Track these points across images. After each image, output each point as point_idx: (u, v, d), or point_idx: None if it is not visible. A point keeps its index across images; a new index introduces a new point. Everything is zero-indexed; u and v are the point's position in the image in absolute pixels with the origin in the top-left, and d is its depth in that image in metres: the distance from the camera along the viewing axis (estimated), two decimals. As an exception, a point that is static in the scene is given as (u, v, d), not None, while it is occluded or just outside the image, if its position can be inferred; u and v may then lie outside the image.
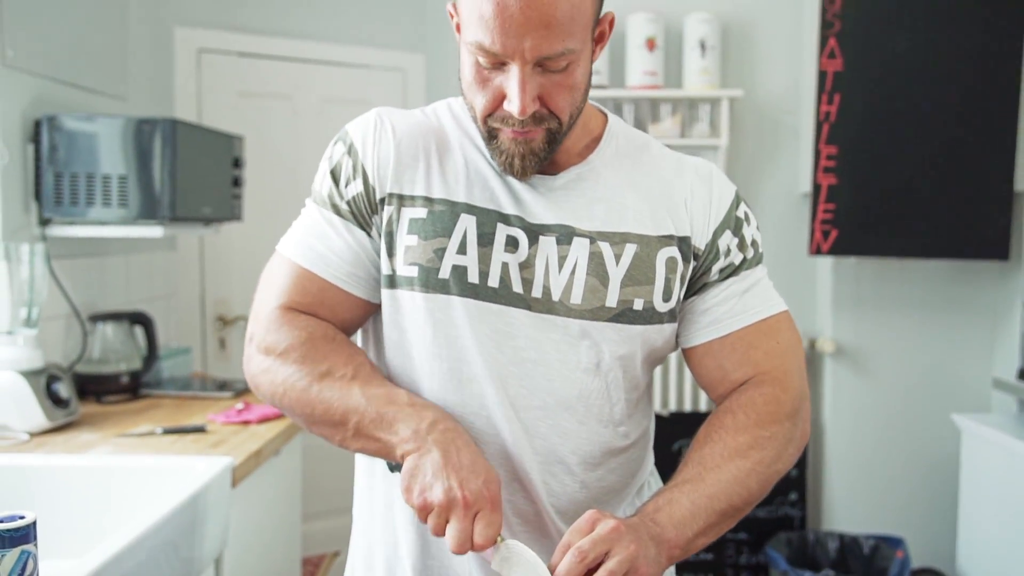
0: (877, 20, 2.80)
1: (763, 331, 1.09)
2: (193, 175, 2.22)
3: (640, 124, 2.99)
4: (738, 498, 1.01)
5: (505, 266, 1.02)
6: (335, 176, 1.08)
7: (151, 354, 2.39)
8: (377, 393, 0.99)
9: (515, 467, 1.04)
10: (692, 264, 1.08)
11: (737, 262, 1.09)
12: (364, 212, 1.07)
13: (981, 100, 2.78)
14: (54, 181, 2.12)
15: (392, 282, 1.05)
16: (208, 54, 3.01)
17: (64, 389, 1.97)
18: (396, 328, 1.06)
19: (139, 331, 2.39)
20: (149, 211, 2.13)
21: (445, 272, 1.02)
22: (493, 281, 1.02)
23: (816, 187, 2.84)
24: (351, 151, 1.07)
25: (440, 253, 1.02)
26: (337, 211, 1.07)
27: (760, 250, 1.13)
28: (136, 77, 2.67)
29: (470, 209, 1.04)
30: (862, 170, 2.82)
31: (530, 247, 1.03)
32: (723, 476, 1.00)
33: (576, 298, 1.03)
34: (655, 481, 1.20)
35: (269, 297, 1.09)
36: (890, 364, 3.04)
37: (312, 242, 1.07)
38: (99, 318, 2.30)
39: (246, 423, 2.02)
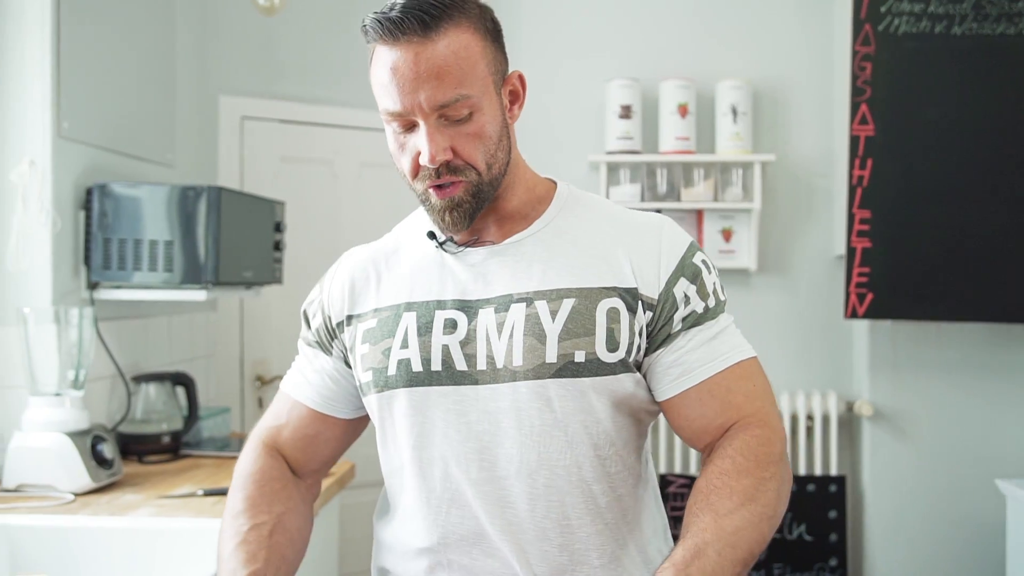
0: (907, 87, 2.83)
1: (739, 375, 1.10)
2: (236, 240, 2.28)
3: (673, 188, 3.03)
4: (756, 545, 1.01)
5: (446, 348, 1.09)
6: (306, 316, 1.24)
7: (192, 414, 2.43)
8: (235, 560, 1.06)
9: (494, 539, 1.08)
10: (648, 315, 1.09)
11: (700, 310, 1.10)
12: (325, 340, 1.21)
13: (1014, 165, 2.79)
14: (103, 246, 2.19)
15: (361, 391, 1.16)
16: (251, 121, 3.11)
17: (108, 450, 2.01)
18: (376, 428, 1.17)
19: (180, 391, 2.43)
20: (193, 275, 2.19)
21: (392, 369, 1.10)
22: (436, 365, 1.09)
23: (851, 251, 2.84)
24: (321, 289, 1.23)
25: (387, 352, 1.11)
26: (307, 342, 1.24)
27: (723, 297, 1.14)
28: (182, 144, 2.76)
29: (410, 306, 1.12)
30: (896, 234, 2.82)
31: (469, 323, 1.09)
32: (738, 523, 1.00)
33: (517, 360, 1.06)
34: (666, 547, 1.20)
35: (259, 423, 1.27)
36: (930, 428, 3.00)
37: (294, 373, 1.26)
38: (142, 379, 2.35)
39: (284, 485, 2.04)
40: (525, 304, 1.07)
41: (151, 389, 2.34)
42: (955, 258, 2.81)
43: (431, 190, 1.07)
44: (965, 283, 2.81)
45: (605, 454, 1.10)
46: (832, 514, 2.99)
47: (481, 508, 1.07)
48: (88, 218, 2.20)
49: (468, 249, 1.13)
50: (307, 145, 3.22)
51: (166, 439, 2.31)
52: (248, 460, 1.20)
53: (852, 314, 2.85)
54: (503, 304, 1.08)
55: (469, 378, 1.08)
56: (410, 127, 1.05)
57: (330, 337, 1.20)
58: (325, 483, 2.07)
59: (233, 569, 1.04)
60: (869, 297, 2.83)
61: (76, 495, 1.89)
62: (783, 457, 1.09)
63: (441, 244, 1.14)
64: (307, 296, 1.27)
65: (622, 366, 1.08)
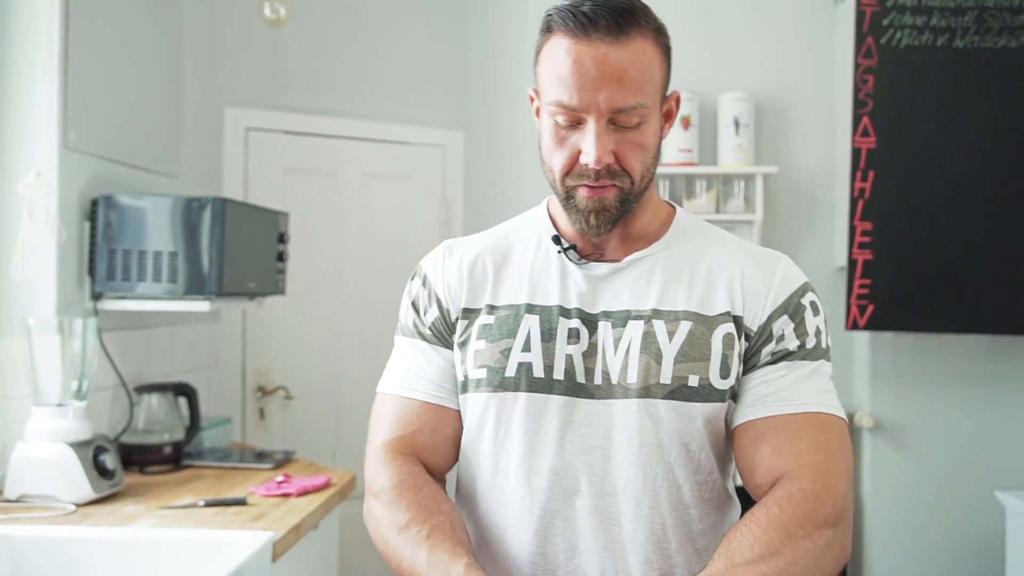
0: (909, 99, 2.84)
1: (811, 423, 1.05)
2: (239, 251, 2.30)
3: (675, 200, 3.04)
4: None
5: (569, 358, 1.08)
6: (416, 307, 1.19)
7: (194, 425, 2.43)
8: (439, 560, 0.99)
9: (594, 555, 1.06)
10: (745, 344, 1.08)
11: (792, 347, 1.08)
12: (444, 333, 1.16)
13: (1015, 177, 2.79)
14: (107, 257, 2.20)
15: (464, 386, 1.13)
16: (255, 132, 3.13)
17: (110, 460, 2.02)
18: (470, 430, 1.13)
19: (182, 401, 2.44)
20: (196, 286, 2.20)
21: (512, 370, 1.08)
22: (558, 374, 1.07)
23: (852, 262, 2.85)
24: (425, 282, 1.19)
25: (506, 353, 1.09)
26: (423, 337, 1.18)
27: (825, 345, 1.10)
28: (187, 155, 2.78)
29: (531, 309, 1.11)
30: (898, 246, 2.83)
31: (590, 336, 1.08)
32: (751, 575, 0.95)
33: (632, 377, 1.06)
34: None
35: (373, 436, 1.17)
36: (930, 439, 2.99)
37: (403, 372, 1.18)
38: (144, 389, 2.36)
39: (286, 496, 2.05)
40: (643, 322, 1.07)
41: (153, 399, 2.35)
42: (957, 270, 2.81)
43: (582, 188, 1.06)
44: (966, 295, 2.81)
45: (704, 479, 1.09)
46: (834, 526, 2.98)
47: (586, 522, 1.06)
48: (93, 229, 2.22)
49: (591, 263, 1.13)
50: (311, 156, 3.24)
51: (168, 449, 2.32)
52: (390, 471, 1.10)
53: (853, 326, 2.85)
54: (621, 320, 1.08)
55: (586, 391, 1.07)
56: (576, 123, 1.04)
57: (449, 331, 1.16)
58: (325, 494, 2.09)
59: (445, 571, 0.97)
60: (870, 309, 2.83)
61: (78, 505, 1.90)
62: (833, 522, 1.00)
63: (565, 250, 1.13)
64: (406, 288, 1.22)
65: (730, 393, 1.08)
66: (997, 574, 2.83)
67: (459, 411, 1.15)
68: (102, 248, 2.21)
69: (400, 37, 3.38)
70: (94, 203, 2.22)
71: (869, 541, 3.03)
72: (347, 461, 3.15)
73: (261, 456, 2.44)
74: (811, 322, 1.09)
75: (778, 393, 1.06)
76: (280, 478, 2.14)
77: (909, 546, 3.00)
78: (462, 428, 1.16)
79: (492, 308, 1.13)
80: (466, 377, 1.13)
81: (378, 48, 3.35)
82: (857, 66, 2.86)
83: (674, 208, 1.20)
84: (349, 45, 3.31)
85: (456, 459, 1.18)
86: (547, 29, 1.06)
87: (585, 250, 1.14)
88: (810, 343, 1.09)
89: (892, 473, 3.01)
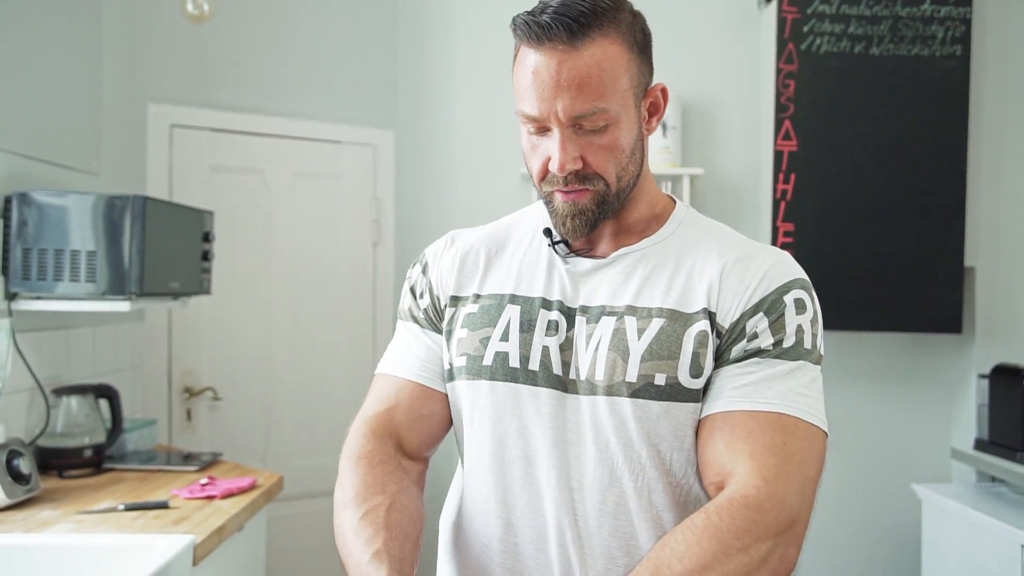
0: (829, 105, 2.92)
1: (772, 424, 1.00)
2: (162, 250, 2.25)
3: (604, 200, 3.08)
4: None
5: (546, 349, 1.08)
6: (413, 292, 1.22)
7: (115, 427, 2.38)
8: (358, 546, 1.00)
9: (559, 550, 1.06)
10: (717, 341, 1.05)
11: (764, 345, 1.03)
12: (435, 319, 1.19)
13: (930, 181, 2.90)
14: (22, 256, 2.14)
15: (450, 375, 1.15)
16: (180, 129, 3.07)
17: (25, 465, 1.96)
18: (455, 417, 1.15)
19: (104, 404, 2.39)
20: (117, 286, 2.15)
21: (488, 359, 1.09)
22: (533, 364, 1.08)
23: (775, 262, 2.92)
24: (425, 270, 1.21)
25: (485, 342, 1.10)
26: (416, 320, 1.21)
27: (809, 345, 1.05)
28: (109, 153, 2.71)
29: (514, 299, 1.12)
30: (818, 247, 2.91)
31: (568, 330, 1.08)
32: None
33: (599, 374, 1.05)
34: None
35: (359, 414, 1.18)
36: (850, 435, 3.08)
37: (395, 352, 1.21)
38: (63, 391, 2.30)
39: (210, 498, 2.01)
40: (615, 318, 1.06)
41: (72, 402, 2.29)
42: (874, 270, 2.90)
43: (557, 193, 1.07)
44: (884, 294, 2.90)
45: (677, 483, 1.06)
46: (758, 520, 3.05)
47: (553, 515, 1.06)
48: (7, 227, 2.15)
49: (578, 258, 1.13)
50: (239, 154, 3.19)
51: (88, 453, 2.27)
52: (354, 445, 1.12)
53: (777, 324, 2.93)
54: (595, 315, 1.08)
55: (561, 383, 1.07)
56: (544, 131, 1.05)
57: (439, 317, 1.18)
58: (250, 496, 2.06)
59: (356, 561, 0.98)
60: (792, 308, 2.91)
61: (-10, 511, 1.84)
62: (776, 534, 0.94)
63: (554, 244, 1.14)
64: (407, 274, 1.25)
65: (704, 393, 1.05)
66: (913, 563, 2.94)
67: (444, 394, 1.17)
68: (16, 247, 2.14)
69: (329, 34, 3.35)
70: (8, 200, 2.15)
71: (792, 534, 3.10)
72: (277, 463, 3.11)
73: (187, 458, 2.39)
74: (792, 320, 1.04)
75: (742, 388, 1.02)
76: (204, 480, 2.11)
77: (829, 537, 3.08)
78: (446, 411, 1.17)
79: (478, 297, 1.14)
80: (451, 365, 1.14)
81: (307, 45, 3.32)
82: (779, 71, 2.94)
83: (674, 202, 1.18)
84: (277, 41, 3.27)
85: (436, 441, 1.19)
86: (515, 36, 1.06)
87: (577, 245, 1.14)
88: (788, 342, 1.03)
89: (814, 467, 3.09)
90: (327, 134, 3.33)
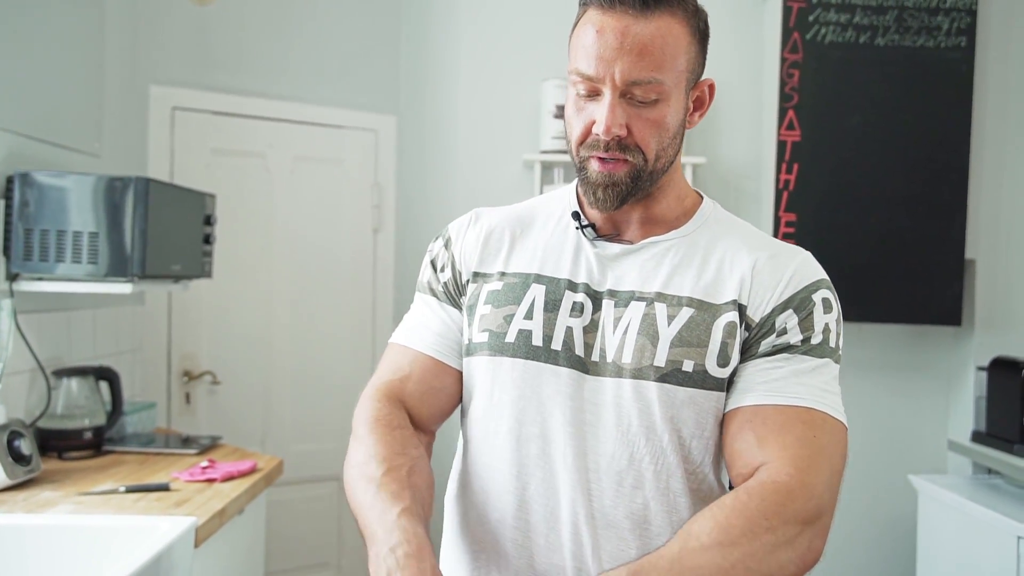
0: (833, 95, 2.92)
1: (802, 418, 1.02)
2: (164, 233, 2.25)
3: (606, 188, 3.07)
4: None
5: (569, 330, 1.08)
6: (434, 265, 1.22)
7: (115, 409, 2.38)
8: (382, 500, 1.01)
9: (574, 525, 1.06)
10: (746, 334, 1.07)
11: (794, 341, 1.05)
12: (454, 293, 1.19)
13: (933, 173, 2.90)
14: (24, 236, 2.13)
15: (469, 350, 1.15)
16: (182, 112, 3.06)
17: (26, 446, 1.96)
18: (469, 393, 1.15)
19: (104, 386, 2.39)
20: (119, 268, 2.15)
21: (511, 336, 1.10)
22: (556, 344, 1.08)
23: (776, 252, 2.92)
24: (448, 244, 1.21)
25: (509, 319, 1.11)
26: (434, 294, 1.21)
27: (833, 344, 1.07)
28: (110, 134, 2.70)
29: (540, 279, 1.12)
30: (820, 237, 2.91)
31: (593, 312, 1.09)
32: (702, 562, 0.92)
33: (626, 357, 1.06)
34: None
35: (371, 381, 1.19)
36: (849, 425, 3.09)
37: (410, 323, 1.22)
38: (64, 373, 2.30)
39: (211, 481, 2.02)
40: (645, 304, 1.07)
41: (73, 383, 2.29)
42: (875, 261, 2.91)
43: (593, 160, 1.06)
44: (885, 285, 2.91)
45: (694, 469, 1.08)
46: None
47: (567, 494, 1.06)
48: (8, 208, 2.14)
49: (606, 243, 1.13)
50: (240, 138, 3.18)
51: (88, 435, 2.27)
52: (370, 408, 1.13)
53: (777, 314, 2.93)
54: (624, 300, 1.09)
55: (583, 364, 1.08)
56: (594, 94, 1.04)
57: (459, 292, 1.18)
58: (251, 479, 2.06)
59: (381, 512, 0.98)
60: (793, 298, 2.91)
61: (-9, 492, 1.84)
62: (804, 521, 0.96)
63: (582, 228, 1.14)
64: (428, 247, 1.25)
65: (728, 385, 1.07)
66: (909, 554, 2.95)
67: (456, 369, 1.17)
68: (18, 227, 2.14)
69: (333, 18, 3.34)
70: (9, 180, 2.15)
71: (789, 523, 3.12)
72: (276, 447, 3.12)
73: (187, 442, 2.40)
74: (819, 318, 1.06)
75: (772, 383, 1.04)
76: (205, 463, 2.11)
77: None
78: (456, 387, 1.18)
79: (503, 275, 1.14)
80: (470, 340, 1.14)
81: (310, 29, 3.30)
82: (783, 60, 2.93)
83: (702, 198, 1.19)
84: (280, 25, 3.25)
85: (444, 415, 1.20)
86: (582, 3, 1.06)
87: (604, 230, 1.14)
88: (815, 339, 1.06)
89: (811, 457, 3.10)
90: (329, 118, 3.32)
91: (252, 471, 2.12)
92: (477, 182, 3.17)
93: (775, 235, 2.92)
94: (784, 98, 2.93)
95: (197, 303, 3.05)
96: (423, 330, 1.19)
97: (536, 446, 1.08)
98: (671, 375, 1.04)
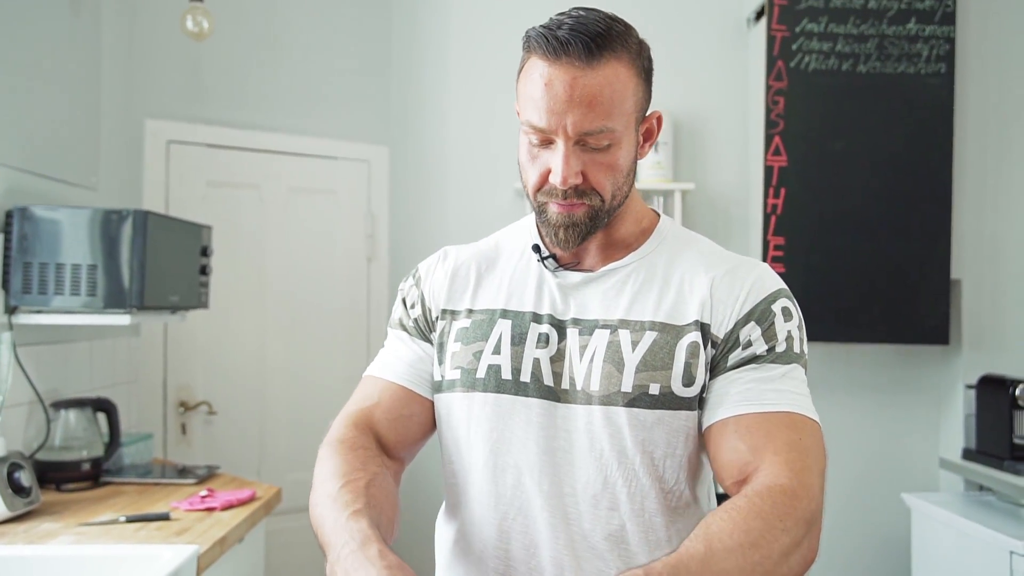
0: (818, 121, 2.98)
1: (785, 423, 1.05)
2: (161, 264, 2.27)
3: (597, 214, 3.12)
4: None
5: (536, 361, 1.11)
6: (404, 303, 1.26)
7: (113, 441, 2.39)
8: (337, 510, 1.01)
9: (554, 552, 1.09)
10: (712, 352, 1.09)
11: (760, 351, 1.09)
12: (424, 329, 1.22)
13: (917, 195, 2.95)
14: (23, 270, 2.15)
15: (440, 387, 1.18)
16: (177, 145, 3.09)
17: (26, 477, 1.97)
18: (446, 428, 1.18)
19: (101, 417, 2.39)
20: (117, 300, 2.17)
21: (481, 372, 1.13)
22: (525, 376, 1.11)
23: (765, 275, 2.96)
24: (417, 282, 1.25)
25: (478, 355, 1.14)
26: (405, 329, 1.24)
27: (798, 350, 1.11)
28: (107, 168, 2.73)
29: (505, 314, 1.15)
30: (808, 260, 2.95)
31: (559, 342, 1.12)
32: (729, 566, 0.91)
33: (594, 384, 1.09)
34: None
35: (342, 410, 1.21)
36: (840, 445, 3.12)
37: (383, 357, 1.25)
38: (62, 404, 2.31)
39: (210, 510, 2.03)
40: (609, 331, 1.10)
41: (71, 415, 2.30)
42: (863, 282, 2.95)
43: (552, 204, 1.09)
44: (873, 306, 2.95)
45: (670, 488, 1.10)
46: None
47: (546, 521, 1.09)
48: (8, 241, 2.17)
49: (567, 272, 1.16)
50: (235, 170, 3.21)
51: (86, 466, 2.27)
52: (335, 433, 1.15)
53: (768, 337, 2.96)
54: (589, 328, 1.12)
55: (553, 394, 1.10)
56: (547, 143, 1.07)
57: (429, 328, 1.22)
58: (250, 508, 2.07)
59: (334, 520, 0.99)
60: (783, 320, 2.95)
61: (-8, 524, 1.85)
62: (808, 522, 0.98)
63: (543, 259, 1.17)
64: (399, 286, 1.28)
65: (697, 401, 1.09)
66: (903, 572, 2.97)
67: (426, 398, 1.19)
68: (17, 261, 2.16)
69: (324, 51, 3.39)
70: (8, 215, 2.17)
71: (784, 544, 3.13)
72: (272, 476, 3.12)
73: (183, 472, 2.40)
74: (781, 327, 1.10)
75: (747, 393, 1.07)
76: (204, 492, 2.12)
77: (822, 547, 3.11)
78: (426, 416, 1.20)
79: (470, 312, 1.18)
80: (443, 377, 1.17)
81: (303, 62, 3.35)
82: (768, 88, 2.99)
83: (659, 216, 1.22)
84: (273, 58, 3.30)
85: (413, 442, 1.21)
86: (526, 49, 1.09)
87: (565, 259, 1.18)
88: (780, 347, 1.09)
89: (805, 478, 3.12)
90: (322, 150, 3.36)
91: (251, 499, 2.13)
92: (469, 210, 3.21)
93: (764, 259, 2.96)
94: (770, 124, 2.98)
95: (192, 334, 3.06)
96: (394, 361, 1.22)
97: (512, 476, 1.11)
98: (638, 399, 1.07)
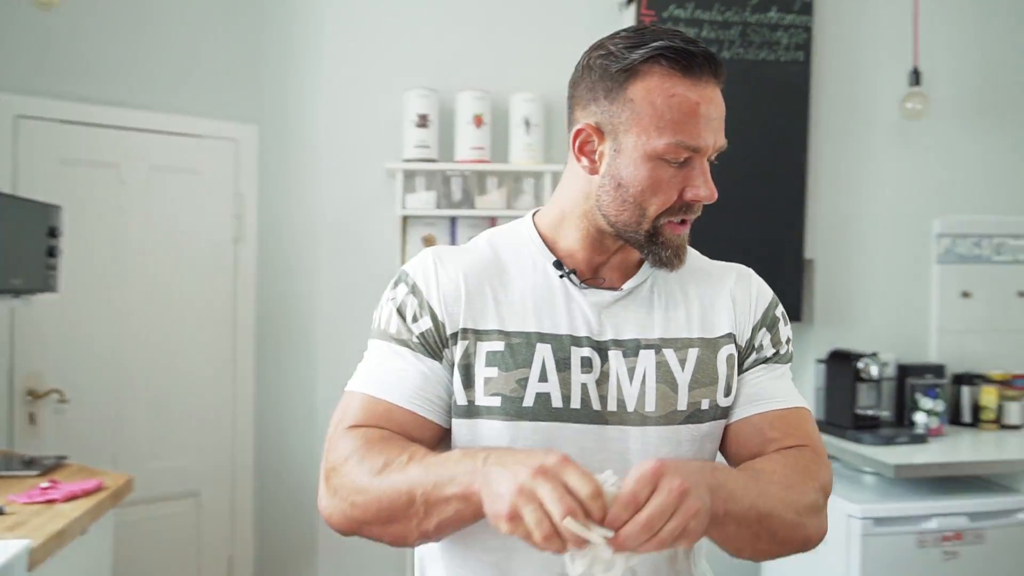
0: (680, 104, 3.06)
1: (801, 416, 1.15)
2: (2, 246, 2.16)
3: (468, 196, 3.11)
4: (777, 517, 1.00)
5: (584, 387, 1.10)
6: (402, 314, 1.13)
7: (-50, 433, 2.26)
8: (432, 460, 0.99)
9: None
10: (737, 358, 1.17)
11: (769, 354, 1.17)
12: (434, 345, 1.11)
13: (775, 178, 3.07)
14: None
15: (470, 412, 1.10)
16: (26, 120, 2.93)
17: None
18: None
19: (-63, 409, 2.27)
20: (-51, 283, 2.05)
21: (529, 400, 1.09)
22: (575, 403, 1.09)
23: (632, 256, 3.03)
24: (415, 290, 1.13)
25: (523, 383, 1.09)
26: (406, 344, 1.12)
27: (791, 350, 1.21)
28: (-57, 143, 2.57)
29: (543, 337, 1.11)
30: (672, 240, 3.03)
31: (602, 364, 1.11)
32: (773, 488, 1.02)
33: (651, 406, 1.10)
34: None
35: (338, 423, 1.10)
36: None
37: (379, 374, 1.11)
38: None
39: (51, 502, 1.95)
40: (654, 351, 1.12)
41: (-100, 406, 2.17)
42: (724, 261, 3.05)
43: (669, 225, 1.10)
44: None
45: None
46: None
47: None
48: None
49: (596, 290, 1.14)
50: (92, 148, 3.07)
51: (-83, 459, 2.15)
52: (354, 438, 1.05)
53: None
54: (632, 349, 1.12)
55: (601, 418, 1.10)
56: (684, 162, 1.07)
57: (441, 344, 1.11)
58: (96, 498, 2.00)
59: (443, 460, 0.97)
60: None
61: None
62: (826, 495, 1.09)
63: (567, 275, 1.14)
64: (386, 293, 1.16)
65: (730, 410, 1.16)
66: None
67: (437, 425, 1.11)
68: None
69: (190, 25, 3.26)
70: None
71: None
72: (130, 465, 3.00)
73: (29, 463, 2.30)
74: (783, 331, 1.20)
75: (763, 392, 1.15)
76: (46, 484, 2.03)
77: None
78: (432, 444, 1.10)
79: (503, 334, 1.11)
80: (471, 402, 1.10)
81: (165, 34, 3.22)
82: (634, 72, 3.05)
83: None
84: (133, 31, 3.16)
85: None
86: (646, 57, 1.05)
87: (585, 274, 1.15)
88: (783, 350, 1.19)
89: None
90: (186, 128, 3.25)
91: (97, 489, 2.06)
92: (340, 191, 3.16)
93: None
94: (636, 108, 3.04)
95: (43, 319, 2.92)
96: (397, 382, 1.10)
97: None
98: (693, 415, 1.12)
